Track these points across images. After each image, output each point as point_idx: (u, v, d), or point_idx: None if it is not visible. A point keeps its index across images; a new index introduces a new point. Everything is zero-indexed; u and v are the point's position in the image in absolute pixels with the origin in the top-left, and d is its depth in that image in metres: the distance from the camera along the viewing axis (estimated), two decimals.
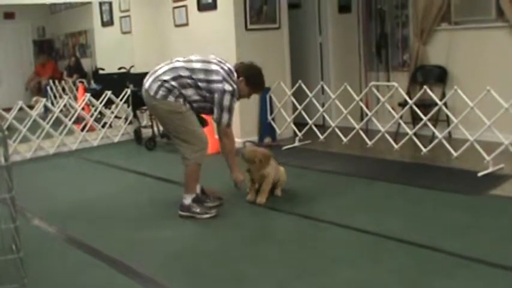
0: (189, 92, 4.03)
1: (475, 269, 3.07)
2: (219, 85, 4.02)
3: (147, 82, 4.11)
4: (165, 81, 4.00)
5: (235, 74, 4.15)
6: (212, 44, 6.74)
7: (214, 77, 4.03)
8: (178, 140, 4.16)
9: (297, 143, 6.59)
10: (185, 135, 4.10)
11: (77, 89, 8.98)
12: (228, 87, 4.03)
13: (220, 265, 3.34)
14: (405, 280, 2.98)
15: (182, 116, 4.05)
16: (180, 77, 4.01)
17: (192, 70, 4.04)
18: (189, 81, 4.02)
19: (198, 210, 4.18)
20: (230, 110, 4.08)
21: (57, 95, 9.33)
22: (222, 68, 4.10)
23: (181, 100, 4.03)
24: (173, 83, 3.99)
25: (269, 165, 4.40)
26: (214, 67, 4.08)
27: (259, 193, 4.42)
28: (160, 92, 4.00)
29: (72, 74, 9.55)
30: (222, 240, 3.79)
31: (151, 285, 3.12)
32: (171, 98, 4.01)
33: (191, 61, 4.12)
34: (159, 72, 4.07)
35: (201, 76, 4.03)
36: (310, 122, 6.58)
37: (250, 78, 4.22)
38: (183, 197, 4.22)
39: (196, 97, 4.07)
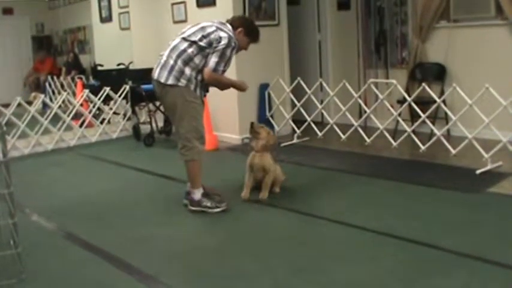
0: (197, 61, 4.09)
1: (473, 266, 3.07)
2: (215, 33, 4.10)
3: (155, 72, 4.18)
4: (172, 65, 4.07)
5: (228, 26, 4.24)
6: None
7: (209, 30, 4.13)
8: (179, 133, 4.23)
9: (295, 140, 6.59)
10: (185, 129, 4.14)
11: (75, 85, 8.98)
12: (223, 34, 4.11)
13: (219, 262, 3.35)
14: (403, 277, 2.99)
15: (189, 106, 4.11)
16: (183, 51, 4.09)
17: (188, 35, 4.14)
18: (191, 49, 4.08)
19: (208, 204, 4.21)
20: (222, 56, 4.09)
21: (56, 91, 9.32)
22: (212, 22, 4.23)
23: (192, 86, 4.10)
24: (179, 60, 4.07)
25: (270, 159, 4.45)
26: (205, 23, 4.21)
27: (261, 188, 4.44)
28: (172, 77, 4.07)
29: (70, 71, 9.54)
30: (220, 237, 3.79)
31: (151, 282, 3.12)
32: (182, 82, 4.08)
33: (184, 32, 4.22)
34: (164, 59, 4.15)
35: (199, 35, 4.11)
36: (308, 119, 6.58)
37: (248, 27, 4.32)
38: (192, 192, 4.25)
39: (204, 61, 4.11)
